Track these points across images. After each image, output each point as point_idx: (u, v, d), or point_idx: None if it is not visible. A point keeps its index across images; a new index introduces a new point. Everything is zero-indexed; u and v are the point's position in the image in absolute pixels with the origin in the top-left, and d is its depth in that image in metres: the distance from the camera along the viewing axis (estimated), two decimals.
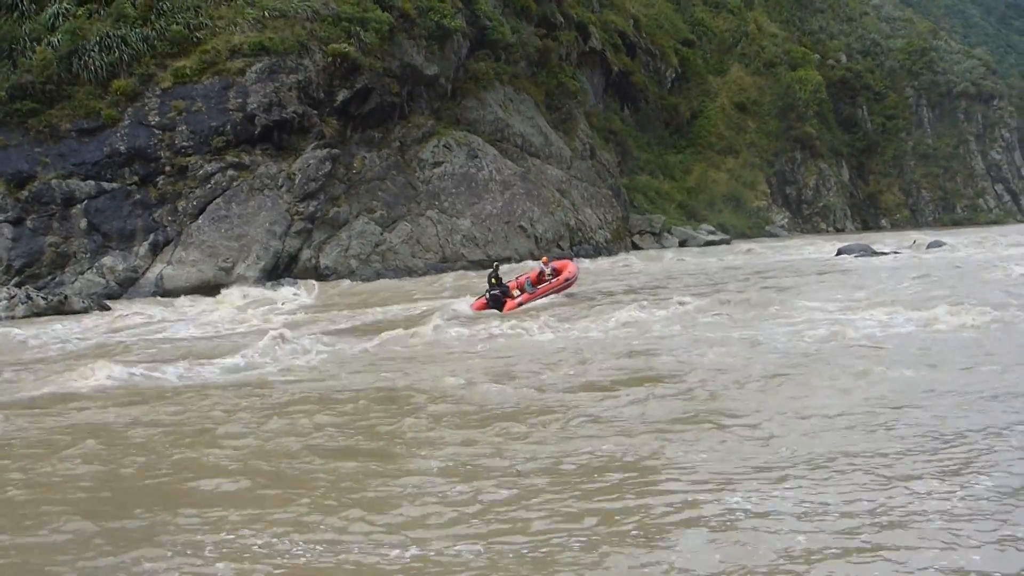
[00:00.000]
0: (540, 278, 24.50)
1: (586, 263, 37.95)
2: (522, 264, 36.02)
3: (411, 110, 40.33)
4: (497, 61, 47.54)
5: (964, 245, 41.03)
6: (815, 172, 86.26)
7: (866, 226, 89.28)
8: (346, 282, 31.62)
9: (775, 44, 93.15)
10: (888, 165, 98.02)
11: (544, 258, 27.88)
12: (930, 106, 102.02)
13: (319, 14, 36.05)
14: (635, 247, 53.82)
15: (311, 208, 33.29)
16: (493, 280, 22.69)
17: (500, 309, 21.67)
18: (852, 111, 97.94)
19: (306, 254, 32.87)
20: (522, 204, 41.88)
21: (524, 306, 22.18)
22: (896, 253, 38.24)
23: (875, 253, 37.95)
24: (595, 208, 50.32)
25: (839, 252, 39.51)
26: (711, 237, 59.90)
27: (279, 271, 31.67)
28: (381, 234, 35.45)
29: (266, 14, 34.74)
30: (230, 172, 31.82)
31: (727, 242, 59.64)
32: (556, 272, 25.03)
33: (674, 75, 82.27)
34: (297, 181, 33.03)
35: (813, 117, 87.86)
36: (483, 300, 22.26)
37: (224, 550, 6.17)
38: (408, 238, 36.26)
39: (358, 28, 36.44)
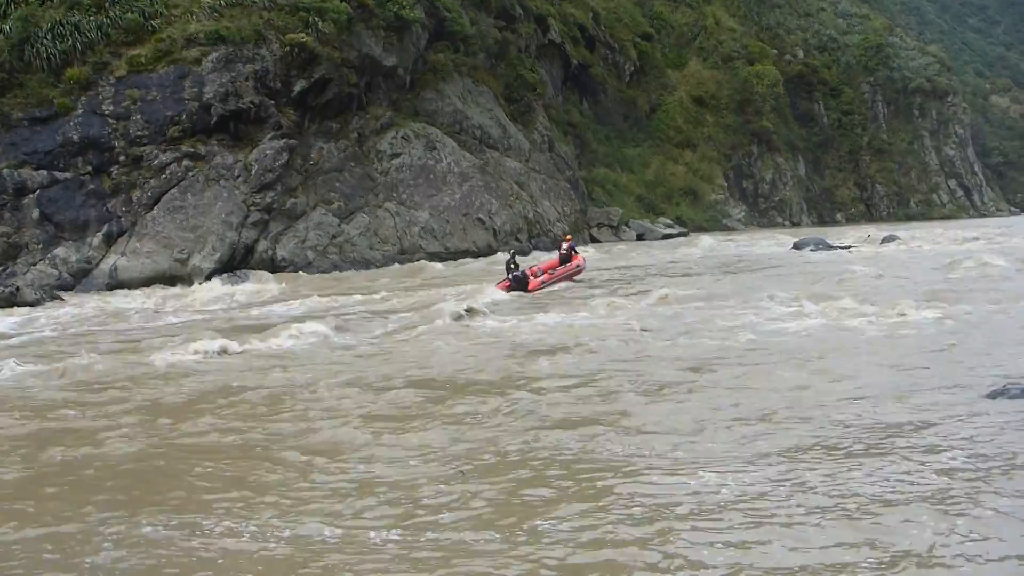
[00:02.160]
0: (563, 259, 26.98)
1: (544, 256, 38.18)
2: (494, 256, 36.75)
3: (369, 101, 40.19)
4: (456, 53, 47.49)
5: (917, 240, 41.59)
6: (772, 166, 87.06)
7: (822, 220, 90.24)
8: (346, 273, 31.90)
9: (733, 39, 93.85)
10: (844, 160, 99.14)
11: (568, 236, 30.83)
12: (886, 102, 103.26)
13: (276, 3, 35.81)
14: (593, 240, 54.03)
15: (268, 199, 33.10)
16: (512, 265, 24.65)
17: (524, 290, 23.51)
18: (809, 106, 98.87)
19: (262, 245, 32.68)
20: (480, 196, 41.91)
21: (545, 287, 24.31)
22: (851, 248, 38.71)
23: (830, 247, 38.41)
24: (553, 201, 50.48)
25: (795, 246, 39.93)
26: (669, 230, 60.27)
27: (235, 263, 31.45)
28: (339, 226, 35.33)
29: (223, 3, 34.42)
30: (186, 162, 31.54)
31: (684, 235, 60.03)
32: (570, 255, 27.07)
33: (633, 68, 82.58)
34: (254, 172, 32.81)
35: (770, 112, 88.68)
36: (507, 282, 23.92)
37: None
38: (366, 230, 36.17)
39: (316, 18, 36.22)
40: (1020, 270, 24.29)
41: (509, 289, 23.45)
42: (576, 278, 26.68)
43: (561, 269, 26.27)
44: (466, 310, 17.82)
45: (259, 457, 8.24)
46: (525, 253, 38.44)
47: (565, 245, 27.92)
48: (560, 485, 7.14)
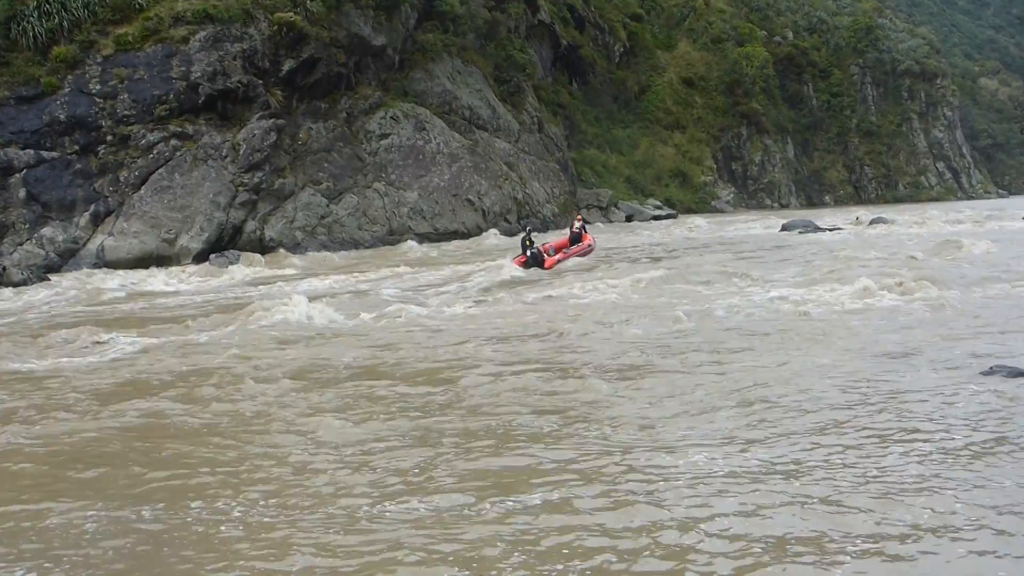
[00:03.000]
0: (573, 239, 28.19)
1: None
2: (476, 237, 36.43)
3: (358, 81, 40.02)
4: (445, 33, 47.31)
5: (906, 222, 41.65)
6: (761, 148, 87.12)
7: (810, 202, 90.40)
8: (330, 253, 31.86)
9: (723, 20, 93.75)
10: (832, 142, 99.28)
11: (579, 216, 32.21)
12: (875, 84, 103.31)
13: None
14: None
15: (256, 179, 32.96)
16: (528, 242, 25.53)
17: (541, 266, 24.47)
18: (798, 88, 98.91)
19: (251, 226, 32.57)
20: (469, 177, 41.82)
21: (560, 264, 25.33)
22: (839, 229, 38.75)
23: (819, 229, 38.44)
24: (542, 182, 50.42)
25: (783, 228, 39.97)
26: (658, 212, 60.35)
27: (223, 243, 31.33)
28: (327, 206, 35.24)
29: None
30: (173, 142, 31.36)
31: (674, 216, 60.07)
32: (580, 235, 28.45)
33: (622, 49, 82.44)
34: (242, 152, 32.66)
35: (759, 93, 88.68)
36: (523, 257, 24.96)
37: None
38: (355, 210, 36.08)
39: None
40: (1005, 253, 24.38)
41: (525, 265, 24.47)
42: (587, 256, 27.57)
43: (574, 248, 27.37)
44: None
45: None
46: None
47: (577, 224, 29.20)
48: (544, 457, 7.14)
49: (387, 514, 6.19)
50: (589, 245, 28.49)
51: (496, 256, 27.32)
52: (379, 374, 10.84)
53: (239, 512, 6.35)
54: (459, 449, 7.66)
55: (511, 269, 23.58)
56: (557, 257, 25.92)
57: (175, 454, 7.76)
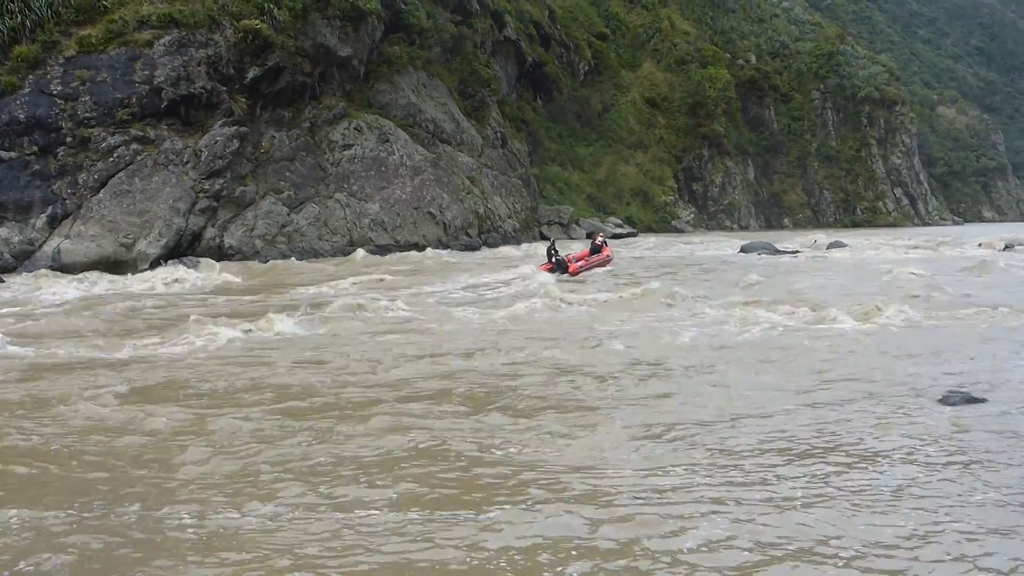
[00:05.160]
0: (593, 250, 30.68)
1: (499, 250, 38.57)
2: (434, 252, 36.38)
3: (323, 91, 40.04)
4: (411, 46, 47.43)
5: (862, 247, 42.20)
6: (721, 169, 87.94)
7: (769, 224, 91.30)
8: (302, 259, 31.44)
9: (687, 42, 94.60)
10: (792, 165, 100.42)
11: (600, 232, 36.01)
12: (835, 109, 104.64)
13: None
14: (543, 237, 54.19)
15: (217, 186, 32.86)
16: (553, 251, 28.83)
17: (565, 271, 27.27)
18: (759, 111, 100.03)
19: (210, 233, 32.45)
20: (432, 190, 41.89)
21: (582, 272, 27.92)
22: (797, 252, 39.18)
23: (777, 251, 38.86)
24: (505, 197, 50.58)
25: (742, 250, 40.35)
26: (619, 230, 60.66)
27: (181, 249, 31.19)
28: (288, 215, 35.18)
29: None
30: (134, 146, 31.21)
31: (634, 235, 60.45)
32: (600, 248, 30.91)
33: (587, 68, 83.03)
34: (203, 158, 32.55)
35: (721, 115, 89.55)
36: (549, 264, 27.89)
37: None
38: (315, 220, 36.04)
39: (271, 5, 36.03)
40: (960, 278, 24.81)
41: (551, 270, 27.26)
42: (608, 267, 30.22)
43: (595, 257, 29.96)
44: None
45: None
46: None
47: (599, 239, 31.85)
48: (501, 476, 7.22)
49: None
50: (608, 257, 31.06)
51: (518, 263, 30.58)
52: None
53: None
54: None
55: (544, 276, 25.74)
56: (580, 264, 28.58)
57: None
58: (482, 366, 11.88)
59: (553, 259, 28.24)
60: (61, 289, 22.89)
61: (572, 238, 55.10)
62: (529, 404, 9.76)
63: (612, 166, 77.65)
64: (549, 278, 25.44)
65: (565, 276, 26.76)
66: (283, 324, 15.24)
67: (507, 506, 6.48)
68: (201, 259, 30.06)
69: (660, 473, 7.21)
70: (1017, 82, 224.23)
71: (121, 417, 9.07)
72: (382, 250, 36.48)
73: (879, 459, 7.70)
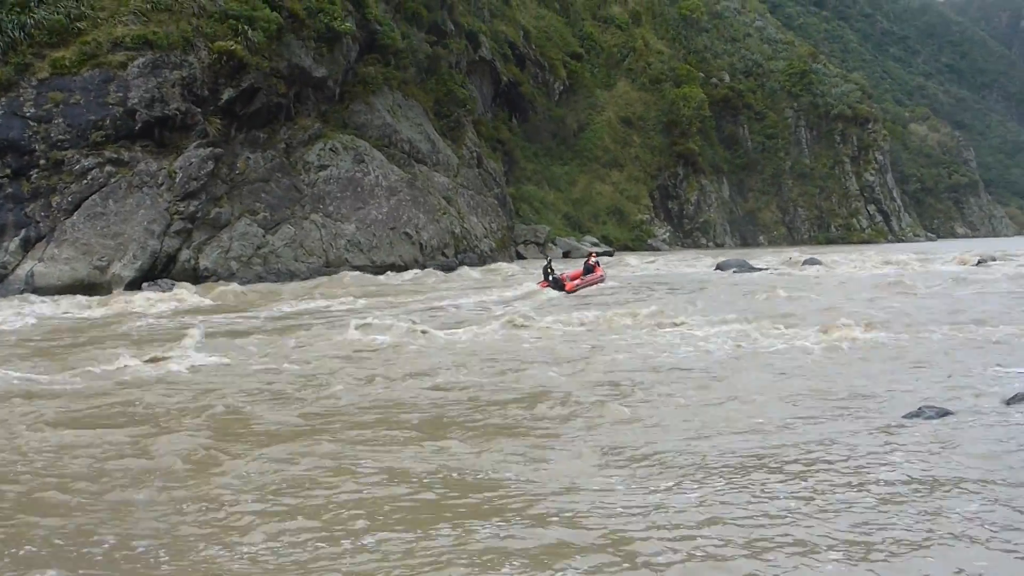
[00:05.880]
0: (587, 269, 31.88)
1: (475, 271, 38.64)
2: (414, 272, 36.30)
3: (298, 112, 39.99)
4: (386, 66, 47.47)
5: (837, 263, 42.46)
6: (697, 188, 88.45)
7: (745, 242, 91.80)
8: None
9: (661, 61, 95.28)
10: (767, 183, 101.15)
11: (593, 253, 37.57)
12: (808, 127, 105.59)
13: (206, 10, 35.49)
14: (519, 256, 54.30)
15: (191, 208, 32.71)
16: (549, 270, 30.06)
17: (562, 289, 28.50)
18: (734, 129, 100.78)
19: (185, 255, 32.28)
20: (408, 211, 41.86)
21: (579, 290, 29.05)
22: (771, 270, 39.39)
23: (753, 269, 39.05)
24: (481, 217, 50.62)
25: (718, 267, 40.54)
26: (595, 248, 60.76)
27: (156, 271, 31.01)
28: (263, 236, 35.05)
29: (151, 7, 34.01)
30: (108, 168, 31.03)
31: (610, 254, 60.58)
32: (593, 267, 32.26)
33: (562, 87, 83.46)
34: (178, 180, 32.41)
35: (696, 134, 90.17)
36: (546, 282, 29.18)
37: None
38: (291, 241, 35.92)
39: (246, 26, 35.97)
40: (932, 294, 25.01)
41: (548, 286, 28.76)
42: (600, 285, 31.32)
43: (590, 276, 31.14)
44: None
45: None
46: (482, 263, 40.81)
47: (592, 259, 33.32)
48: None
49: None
50: (601, 276, 32.21)
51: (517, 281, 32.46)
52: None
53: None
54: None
55: (548, 292, 27.84)
56: (576, 283, 29.80)
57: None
58: (493, 383, 11.87)
59: (550, 278, 29.43)
60: (29, 310, 22.80)
61: (548, 257, 55.22)
62: (488, 427, 9.76)
63: (588, 185, 78.01)
64: (555, 293, 27.70)
65: (562, 294, 27.96)
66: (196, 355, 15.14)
67: (486, 526, 6.47)
68: (175, 282, 29.91)
69: (641, 492, 7.22)
70: (987, 99, 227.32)
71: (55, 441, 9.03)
72: (363, 270, 36.41)
73: (857, 473, 7.73)
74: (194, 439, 9.06)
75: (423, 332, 17.37)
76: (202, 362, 14.13)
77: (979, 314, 19.17)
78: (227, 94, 35.27)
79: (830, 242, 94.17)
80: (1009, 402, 10.38)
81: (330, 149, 39.97)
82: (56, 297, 26.27)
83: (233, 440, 9.11)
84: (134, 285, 29.42)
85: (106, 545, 6.28)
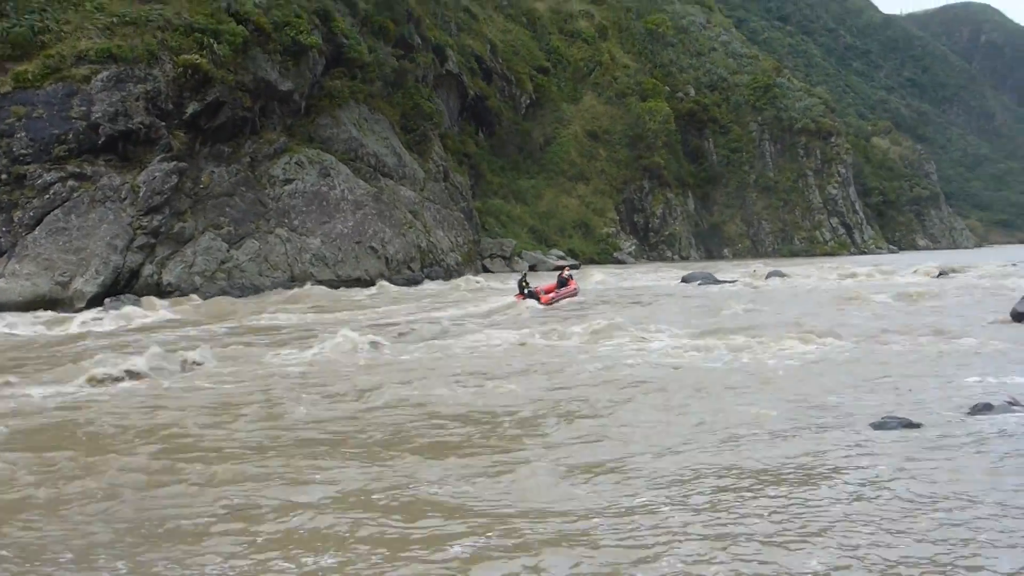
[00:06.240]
0: (561, 283, 32.33)
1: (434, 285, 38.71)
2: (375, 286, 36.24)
3: (263, 125, 39.87)
4: (353, 80, 47.45)
5: (800, 276, 42.84)
6: (662, 201, 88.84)
7: (710, 255, 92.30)
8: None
9: (627, 75, 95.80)
10: (731, 196, 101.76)
11: (567, 267, 38.71)
12: (772, 140, 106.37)
13: (171, 23, 35.37)
14: (485, 270, 54.33)
15: (155, 222, 32.52)
16: (524, 283, 30.72)
17: (538, 301, 29.03)
18: (699, 143, 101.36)
19: (148, 270, 32.07)
20: (374, 224, 41.83)
21: (554, 303, 29.55)
22: (736, 282, 39.68)
23: (718, 282, 39.34)
24: (447, 230, 50.66)
25: (683, 280, 40.80)
26: (561, 262, 60.92)
27: (119, 287, 30.77)
28: (228, 251, 34.89)
29: (115, 20, 33.86)
30: (71, 182, 30.78)
31: (576, 267, 60.68)
32: (567, 280, 32.80)
33: (529, 101, 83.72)
34: (141, 194, 32.21)
35: (662, 147, 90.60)
36: (521, 295, 29.69)
37: None
38: (256, 255, 35.78)
39: (211, 40, 35.87)
40: (893, 306, 25.33)
41: (523, 298, 29.28)
42: (575, 298, 31.85)
43: (563, 290, 31.67)
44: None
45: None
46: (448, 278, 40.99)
47: (566, 273, 33.94)
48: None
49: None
50: (575, 289, 32.80)
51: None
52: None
53: None
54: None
55: (526, 303, 28.37)
56: (551, 296, 30.33)
57: None
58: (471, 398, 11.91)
59: (525, 291, 29.93)
60: None
61: (515, 270, 55.30)
62: (447, 444, 9.79)
63: (554, 199, 78.21)
64: (535, 305, 28.25)
65: (540, 307, 28.41)
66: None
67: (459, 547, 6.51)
68: (138, 297, 29.70)
69: (611, 508, 7.28)
70: (948, 113, 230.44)
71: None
72: (328, 284, 36.31)
73: (824, 484, 7.87)
74: (142, 459, 9.01)
75: (374, 345, 17.47)
76: (156, 380, 14.07)
77: (939, 325, 19.47)
78: (192, 108, 35.13)
79: (794, 255, 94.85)
80: (971, 412, 10.61)
81: (295, 163, 39.88)
82: (16, 314, 26.02)
83: (183, 459, 9.06)
84: (97, 301, 29.18)
85: (62, 560, 6.29)
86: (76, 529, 7.03)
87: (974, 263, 52.30)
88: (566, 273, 33.97)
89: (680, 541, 6.57)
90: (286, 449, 9.50)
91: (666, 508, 7.34)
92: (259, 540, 6.79)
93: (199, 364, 15.25)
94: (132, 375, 14.16)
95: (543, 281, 35.41)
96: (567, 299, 31.16)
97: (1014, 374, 13.34)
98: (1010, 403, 10.84)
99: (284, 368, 15.28)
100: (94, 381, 13.67)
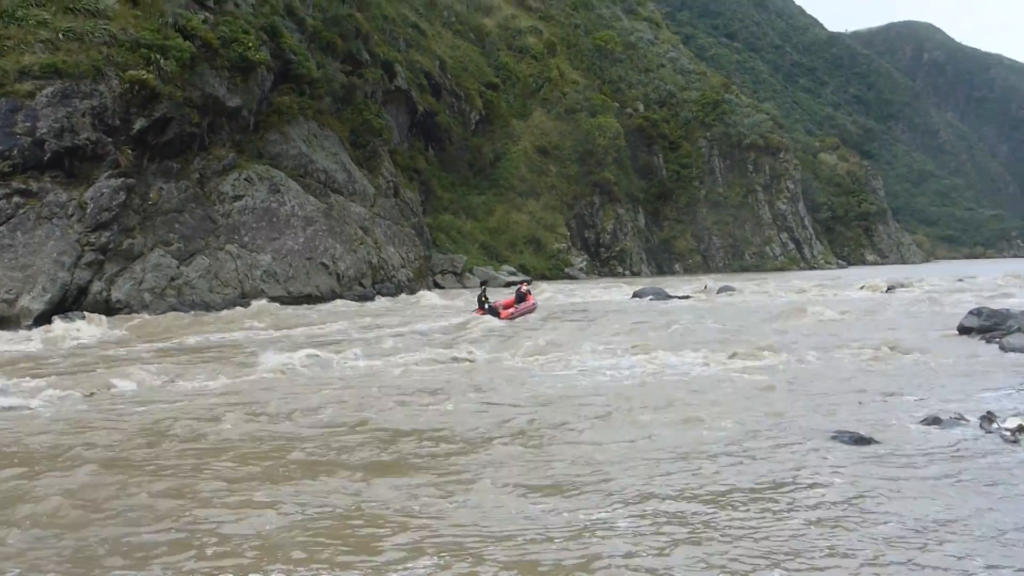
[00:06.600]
0: (519, 298, 32.49)
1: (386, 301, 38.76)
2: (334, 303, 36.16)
3: (212, 142, 39.77)
4: (301, 96, 47.48)
5: (750, 291, 43.50)
6: (613, 217, 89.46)
7: (660, 270, 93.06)
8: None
9: (576, 91, 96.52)
10: (682, 212, 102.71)
11: (525, 282, 40.02)
12: (721, 156, 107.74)
13: (117, 39, 35.21)
14: (437, 286, 54.45)
15: (103, 239, 32.33)
16: (484, 298, 31.07)
17: (497, 316, 29.45)
18: (649, 159, 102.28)
19: (96, 286, 31.86)
20: (324, 241, 41.84)
21: (514, 318, 29.83)
22: (687, 297, 40.23)
23: (669, 297, 39.83)
24: (398, 246, 50.74)
25: (634, 295, 41.23)
26: (512, 278, 61.22)
27: (67, 304, 30.53)
28: (177, 267, 34.76)
29: (60, 36, 33.68)
30: (16, 199, 30.54)
31: (529, 283, 60.92)
32: (525, 296, 33.03)
33: (478, 117, 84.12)
34: (89, 211, 32.03)
35: (612, 163, 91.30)
36: (481, 310, 30.18)
37: None
38: (206, 272, 35.67)
39: (158, 55, 35.77)
40: (843, 321, 25.84)
41: (484, 313, 29.77)
42: (533, 314, 32.09)
43: (522, 305, 31.89)
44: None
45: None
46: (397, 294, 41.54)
47: (524, 288, 34.24)
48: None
49: None
50: (533, 304, 33.18)
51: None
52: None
53: None
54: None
55: (488, 320, 28.48)
56: (511, 311, 30.66)
57: None
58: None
59: (485, 306, 30.37)
60: None
61: (466, 286, 55.41)
62: (395, 462, 9.95)
63: (504, 214, 78.53)
64: (494, 321, 28.40)
65: (501, 322, 28.64)
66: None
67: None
68: (88, 314, 29.49)
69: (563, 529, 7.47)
70: (893, 129, 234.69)
71: None
72: (275, 303, 36.24)
73: (781, 499, 8.06)
74: (77, 479, 8.86)
75: (315, 362, 17.49)
76: (99, 397, 14.00)
77: (889, 339, 19.90)
78: (139, 124, 34.99)
79: (744, 270, 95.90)
80: (921, 425, 10.96)
81: (245, 179, 39.83)
82: None
83: (120, 477, 8.94)
84: (44, 318, 28.94)
85: None
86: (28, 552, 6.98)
87: (921, 278, 53.32)
88: (524, 288, 34.24)
89: (627, 557, 6.69)
90: (220, 471, 9.27)
91: (623, 524, 7.40)
92: (208, 553, 6.88)
93: (117, 387, 14.83)
94: (76, 393, 13.99)
95: (499, 297, 35.54)
96: (525, 314, 31.39)
97: (962, 387, 13.69)
98: (957, 417, 11.20)
99: (214, 388, 14.90)
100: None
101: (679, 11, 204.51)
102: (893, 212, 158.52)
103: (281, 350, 18.71)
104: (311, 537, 7.11)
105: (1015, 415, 11.07)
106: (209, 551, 6.82)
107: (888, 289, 42.05)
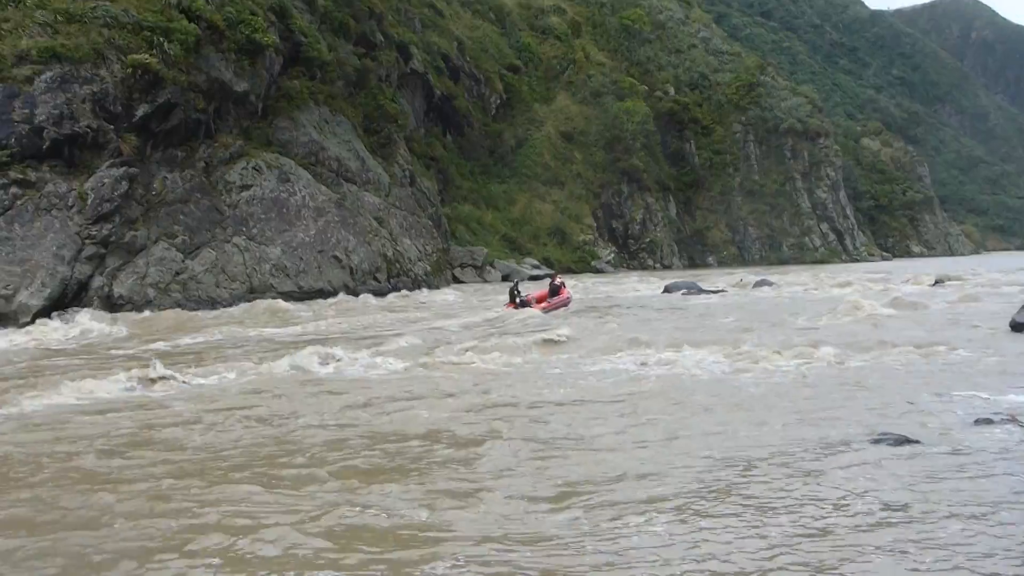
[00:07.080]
0: (552, 291, 32.96)
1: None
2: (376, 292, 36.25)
3: (218, 128, 39.84)
4: (312, 80, 47.49)
5: (790, 285, 43.24)
6: (642, 206, 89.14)
7: (693, 263, 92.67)
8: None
9: (603, 73, 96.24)
10: (715, 201, 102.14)
11: (556, 275, 39.25)
12: (757, 142, 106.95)
13: (118, 21, 35.31)
14: (456, 280, 54.44)
15: (105, 231, 32.44)
16: (516, 292, 31.65)
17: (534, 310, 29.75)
18: (679, 145, 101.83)
19: (98, 281, 31.96)
20: (336, 233, 41.85)
21: (547, 312, 30.00)
22: (723, 292, 40.00)
23: (703, 291, 39.61)
24: (414, 239, 50.72)
25: (665, 290, 41.06)
26: (536, 272, 61.12)
27: (67, 299, 30.64)
28: (182, 261, 34.83)
29: (58, 18, 33.79)
30: (13, 190, 30.67)
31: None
32: (558, 289, 33.24)
33: (499, 101, 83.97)
34: (90, 201, 32.14)
35: (640, 150, 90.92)
36: (512, 304, 30.68)
37: None
38: (212, 266, 35.73)
39: (161, 38, 35.86)
40: (889, 316, 25.63)
41: (515, 307, 30.16)
42: (566, 308, 32.17)
43: (556, 299, 32.25)
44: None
45: None
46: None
47: (558, 280, 34.35)
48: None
49: None
50: (568, 298, 33.23)
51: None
52: None
53: None
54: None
55: (527, 312, 29.11)
56: (543, 305, 31.07)
57: None
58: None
59: (517, 300, 30.90)
60: None
61: (487, 280, 55.35)
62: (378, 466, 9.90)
63: (527, 204, 78.38)
64: (535, 313, 28.92)
65: (540, 314, 29.01)
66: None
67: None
68: (89, 310, 29.62)
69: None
70: (940, 113, 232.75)
71: None
72: (285, 298, 36.26)
73: (827, 504, 8.00)
74: (64, 486, 8.84)
75: (333, 362, 17.47)
76: (92, 398, 13.97)
77: (937, 336, 19.70)
78: (142, 110, 35.08)
79: (782, 263, 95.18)
80: (970, 427, 10.82)
81: (253, 168, 39.87)
82: None
83: (111, 484, 8.92)
84: (43, 314, 29.06)
85: None
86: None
87: (971, 271, 52.90)
88: (557, 281, 34.43)
89: (654, 565, 6.67)
90: (219, 475, 9.28)
91: (661, 529, 7.39)
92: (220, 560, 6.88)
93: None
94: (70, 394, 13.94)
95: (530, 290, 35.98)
96: (561, 309, 31.68)
97: (1014, 388, 13.54)
98: (1010, 418, 11.07)
99: (240, 388, 14.96)
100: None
101: None
102: (940, 201, 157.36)
103: (293, 350, 18.66)
104: (310, 542, 7.13)
105: None
106: (217, 558, 6.84)
107: (936, 282, 41.73)
